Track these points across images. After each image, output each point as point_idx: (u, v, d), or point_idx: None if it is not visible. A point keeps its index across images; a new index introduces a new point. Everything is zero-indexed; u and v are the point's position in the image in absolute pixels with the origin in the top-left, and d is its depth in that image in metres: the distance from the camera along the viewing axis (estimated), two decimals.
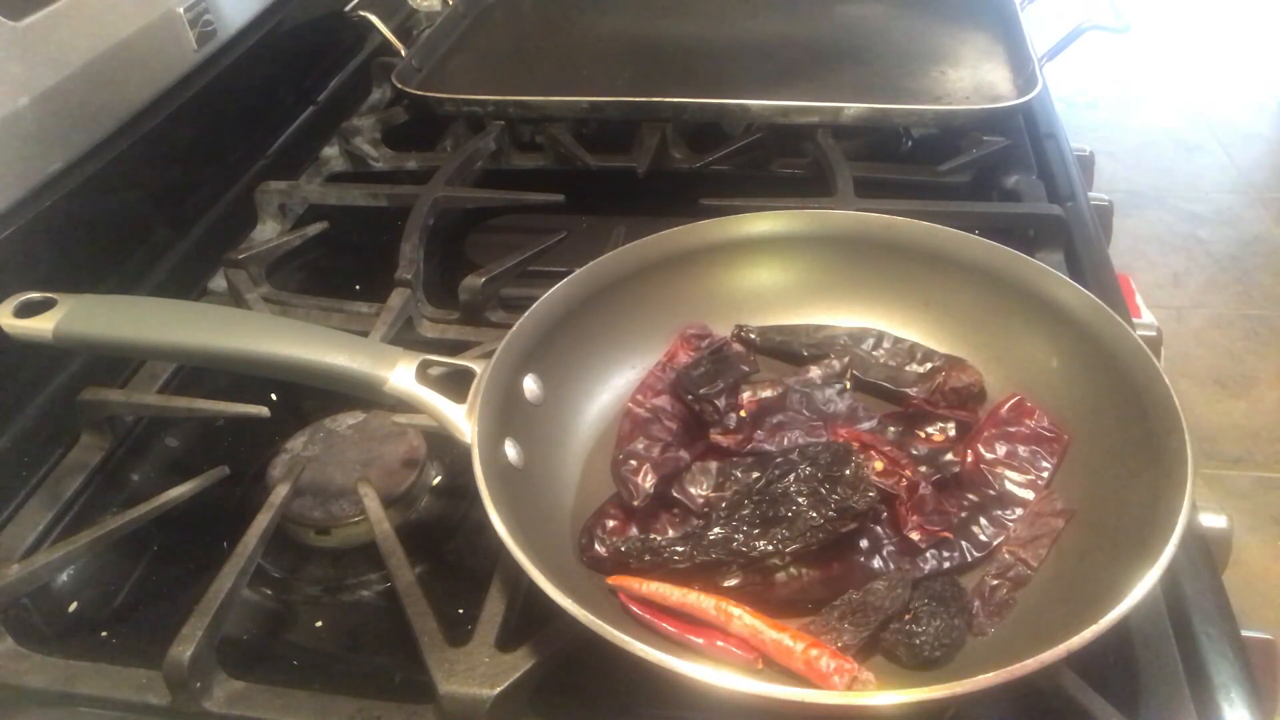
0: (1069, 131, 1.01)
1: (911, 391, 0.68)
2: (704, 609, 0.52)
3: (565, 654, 0.52)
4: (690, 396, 0.64)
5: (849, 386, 0.68)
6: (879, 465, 0.59)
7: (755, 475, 0.59)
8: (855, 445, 0.59)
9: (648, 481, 0.59)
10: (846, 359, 0.69)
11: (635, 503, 0.58)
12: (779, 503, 0.55)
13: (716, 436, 0.63)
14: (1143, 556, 0.48)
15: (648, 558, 0.56)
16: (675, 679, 0.44)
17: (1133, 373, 0.59)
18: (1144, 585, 0.46)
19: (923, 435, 0.64)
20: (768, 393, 0.66)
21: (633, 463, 0.60)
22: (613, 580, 0.55)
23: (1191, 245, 2.59)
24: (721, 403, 0.63)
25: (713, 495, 0.59)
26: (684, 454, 0.62)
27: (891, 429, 0.64)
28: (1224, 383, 2.15)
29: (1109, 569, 0.51)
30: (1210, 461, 1.96)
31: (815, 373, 0.68)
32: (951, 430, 0.63)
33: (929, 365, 0.69)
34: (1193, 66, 3.46)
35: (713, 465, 0.61)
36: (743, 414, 0.64)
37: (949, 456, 0.61)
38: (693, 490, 0.60)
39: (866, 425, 0.65)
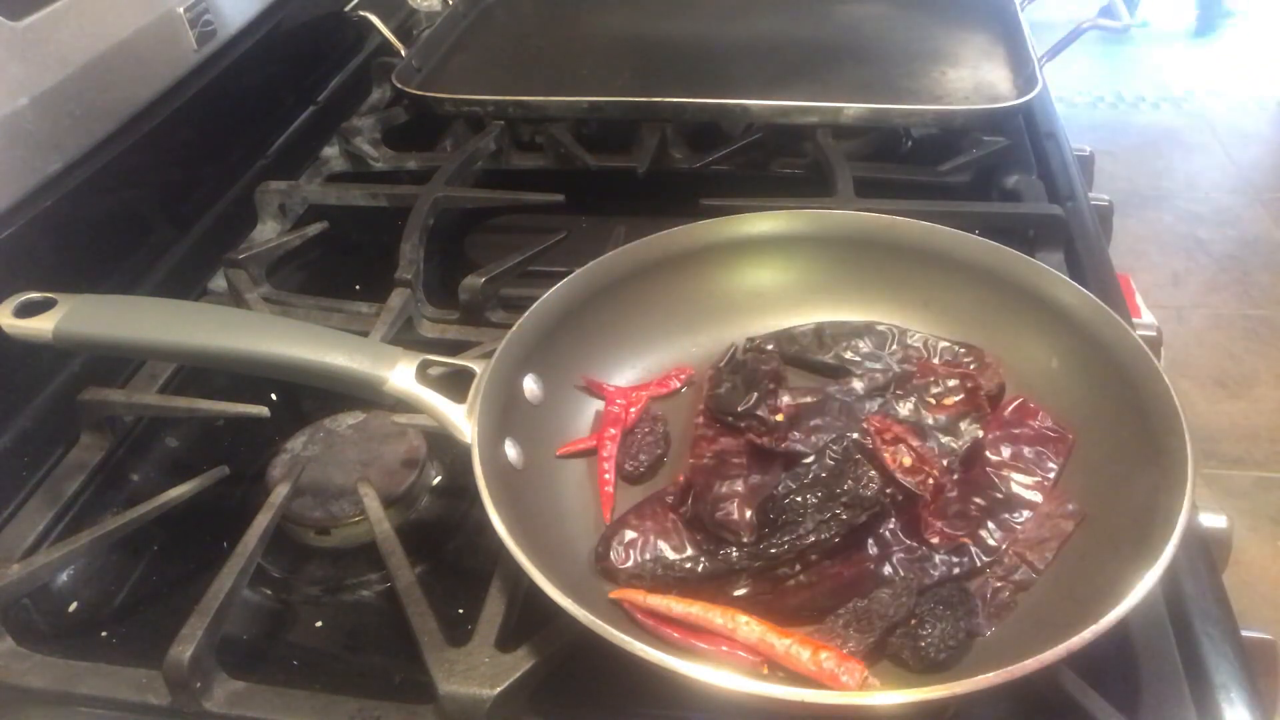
0: (1069, 131, 1.01)
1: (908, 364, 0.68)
2: (709, 618, 0.52)
3: (565, 654, 0.52)
4: (730, 418, 0.64)
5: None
6: (906, 461, 0.58)
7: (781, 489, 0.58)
8: (888, 435, 0.59)
9: (747, 515, 0.57)
10: (888, 371, 0.69)
11: (745, 539, 0.56)
12: (791, 510, 0.55)
13: (753, 436, 0.63)
14: (1143, 556, 0.48)
15: (660, 572, 0.56)
16: (674, 679, 0.44)
17: (1133, 373, 0.59)
18: (1144, 585, 0.46)
19: (933, 402, 0.64)
20: (807, 399, 0.66)
21: (725, 505, 0.58)
22: (615, 595, 0.55)
23: (1191, 245, 2.59)
24: (763, 412, 0.64)
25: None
26: (761, 477, 0.61)
27: (902, 403, 0.64)
28: (1224, 383, 2.16)
29: (1109, 569, 0.51)
30: (1210, 461, 1.97)
31: (858, 384, 0.67)
32: (958, 394, 0.64)
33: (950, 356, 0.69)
34: (1193, 66, 3.47)
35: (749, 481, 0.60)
36: (779, 418, 0.64)
37: (967, 424, 0.61)
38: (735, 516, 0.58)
39: (879, 406, 0.65)
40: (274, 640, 0.61)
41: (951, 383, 0.65)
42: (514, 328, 0.63)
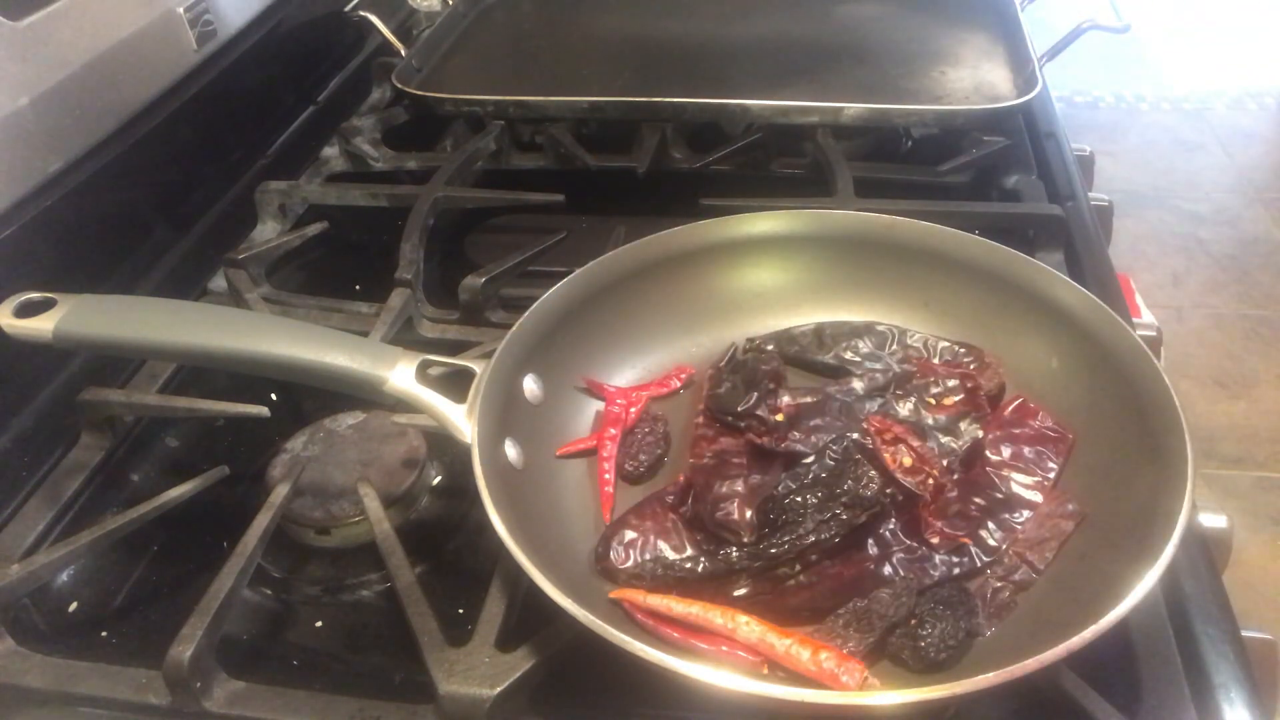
0: (1069, 131, 1.01)
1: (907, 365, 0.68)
2: (709, 618, 0.52)
3: (565, 654, 0.52)
4: (730, 418, 0.64)
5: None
6: (907, 461, 0.58)
7: (781, 489, 0.58)
8: (888, 435, 0.59)
9: (747, 515, 0.57)
10: (889, 372, 0.69)
11: (745, 539, 0.56)
12: (791, 510, 0.56)
13: (753, 436, 0.63)
14: (1143, 556, 0.48)
15: (660, 572, 0.56)
16: (674, 679, 0.44)
17: (1133, 373, 0.59)
18: (1144, 585, 0.46)
19: (933, 402, 0.64)
20: (807, 399, 0.66)
21: (725, 505, 0.57)
22: (615, 595, 0.55)
23: (1191, 245, 2.59)
24: (763, 412, 0.64)
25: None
26: (761, 477, 0.60)
27: (902, 403, 0.64)
28: (1224, 383, 2.15)
29: (1109, 569, 0.51)
30: (1210, 461, 1.96)
31: (858, 385, 0.68)
32: (958, 394, 0.64)
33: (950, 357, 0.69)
34: (1193, 66, 3.46)
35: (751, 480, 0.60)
36: (779, 418, 0.64)
37: (967, 424, 0.62)
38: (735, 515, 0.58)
39: (879, 406, 0.65)
40: (274, 640, 0.61)
41: (951, 383, 0.65)
42: (514, 328, 0.63)
